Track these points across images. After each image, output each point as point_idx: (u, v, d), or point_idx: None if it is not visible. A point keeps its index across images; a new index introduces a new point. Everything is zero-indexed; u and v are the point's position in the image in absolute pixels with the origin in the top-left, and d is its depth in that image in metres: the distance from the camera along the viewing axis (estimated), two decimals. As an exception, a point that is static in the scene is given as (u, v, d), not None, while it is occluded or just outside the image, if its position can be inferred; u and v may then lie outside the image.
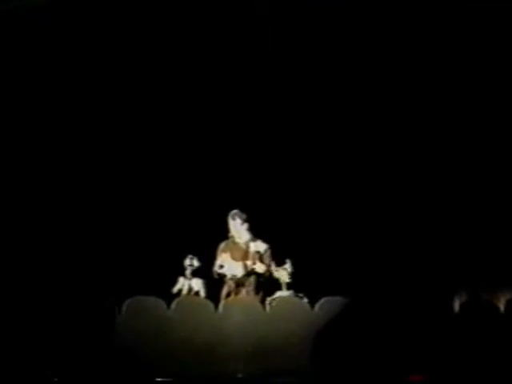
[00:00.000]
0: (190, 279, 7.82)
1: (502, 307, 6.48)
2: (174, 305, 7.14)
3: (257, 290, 7.85)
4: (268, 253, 7.99)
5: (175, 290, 7.78)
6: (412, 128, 8.42)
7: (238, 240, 8.07)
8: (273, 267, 7.84)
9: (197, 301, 7.44)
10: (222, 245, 8.08)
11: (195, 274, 7.86)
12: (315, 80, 8.28)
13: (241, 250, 7.99)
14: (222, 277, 7.93)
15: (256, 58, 8.06)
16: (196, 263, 7.87)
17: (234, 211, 8.00)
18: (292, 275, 7.66)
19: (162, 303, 7.11)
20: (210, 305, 7.20)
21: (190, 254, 7.89)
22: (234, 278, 7.82)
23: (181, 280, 7.86)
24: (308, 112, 8.58)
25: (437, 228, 8.42)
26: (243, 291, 7.78)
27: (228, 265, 7.91)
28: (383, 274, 8.48)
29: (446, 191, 8.44)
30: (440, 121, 8.37)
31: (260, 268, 7.87)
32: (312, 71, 8.24)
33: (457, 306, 6.64)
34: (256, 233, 8.06)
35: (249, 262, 7.89)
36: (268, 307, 7.35)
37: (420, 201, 8.49)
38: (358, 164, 8.68)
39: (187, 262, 7.89)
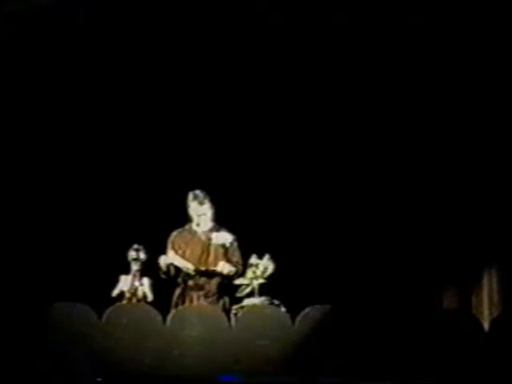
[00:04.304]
0: (134, 278, 7.18)
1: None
2: (106, 314, 6.42)
3: (219, 295, 7.27)
4: (235, 247, 7.40)
5: (115, 292, 7.17)
6: (395, 130, 8.45)
7: (195, 228, 7.45)
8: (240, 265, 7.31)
9: (137, 309, 6.63)
10: (175, 234, 7.47)
11: (142, 270, 7.27)
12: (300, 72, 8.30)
13: (199, 243, 7.39)
14: (172, 278, 7.29)
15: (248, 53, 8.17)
16: (143, 256, 7.21)
17: (196, 191, 7.40)
18: (270, 276, 7.12)
19: (90, 312, 6.41)
20: (156, 315, 6.47)
21: (135, 243, 7.28)
22: (188, 279, 7.23)
23: (122, 279, 7.22)
24: (294, 105, 8.49)
25: (423, 230, 8.49)
26: (201, 297, 7.22)
27: (181, 261, 7.29)
28: (377, 277, 8.27)
29: (433, 200, 8.45)
30: (426, 121, 8.35)
31: (224, 267, 7.27)
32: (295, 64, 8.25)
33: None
34: (220, 222, 7.52)
35: (210, 259, 7.33)
36: (233, 319, 6.73)
37: (408, 206, 8.48)
38: (343, 164, 8.63)
39: (132, 254, 7.22)
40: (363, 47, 7.91)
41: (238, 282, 7.12)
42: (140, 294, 7.13)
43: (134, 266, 7.19)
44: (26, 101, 8.04)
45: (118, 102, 8.33)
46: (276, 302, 6.97)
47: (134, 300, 7.08)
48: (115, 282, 7.25)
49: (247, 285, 7.06)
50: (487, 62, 7.84)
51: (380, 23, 7.71)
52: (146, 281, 7.18)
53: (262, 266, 7.06)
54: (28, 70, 7.88)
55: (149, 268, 7.32)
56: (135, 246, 7.25)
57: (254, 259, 7.12)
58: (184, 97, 8.33)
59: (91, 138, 8.42)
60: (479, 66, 7.87)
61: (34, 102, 8.08)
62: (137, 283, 7.17)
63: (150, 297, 7.15)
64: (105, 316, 6.41)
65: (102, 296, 6.99)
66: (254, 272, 7.06)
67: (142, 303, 6.96)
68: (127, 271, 7.23)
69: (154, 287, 7.31)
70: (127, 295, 7.14)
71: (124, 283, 7.18)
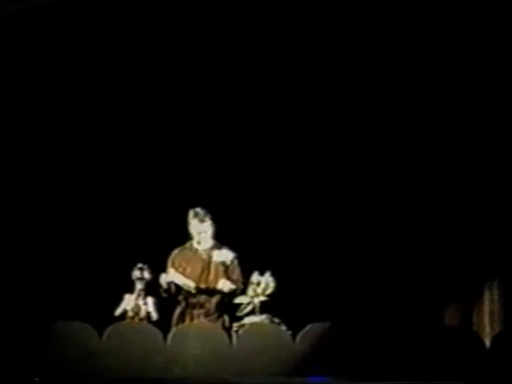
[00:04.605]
0: (138, 297, 7.14)
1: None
2: (107, 333, 6.40)
3: (220, 313, 7.23)
4: (235, 264, 7.38)
5: (118, 311, 7.14)
6: (396, 132, 8.31)
7: (196, 246, 7.43)
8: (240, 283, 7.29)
9: (138, 328, 6.67)
10: (175, 252, 7.44)
11: (146, 290, 7.24)
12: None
13: (200, 260, 7.37)
14: (173, 296, 7.27)
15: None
16: (148, 275, 7.21)
17: (197, 209, 7.39)
18: (271, 294, 7.13)
19: (90, 330, 6.40)
20: (157, 333, 6.47)
21: (140, 262, 7.25)
22: (189, 297, 7.21)
23: (126, 298, 7.18)
24: (290, 110, 8.41)
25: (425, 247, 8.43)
26: (202, 315, 7.19)
27: (182, 279, 7.26)
28: (378, 293, 8.19)
29: (435, 216, 8.36)
30: (427, 123, 8.23)
31: (224, 285, 7.25)
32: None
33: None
34: (221, 239, 7.51)
35: (210, 277, 7.30)
36: (234, 336, 6.72)
37: (409, 222, 8.41)
38: (344, 181, 8.53)
39: (136, 273, 7.21)
40: (363, 47, 7.89)
41: (238, 300, 7.09)
42: (143, 313, 7.12)
43: (139, 285, 7.18)
44: (27, 101, 7.96)
45: (119, 112, 8.22)
46: (276, 320, 6.94)
47: (137, 319, 7.05)
48: (120, 301, 7.20)
49: (248, 303, 7.02)
50: (487, 62, 7.79)
51: (380, 23, 7.69)
52: (150, 300, 7.17)
53: (263, 284, 7.06)
54: (28, 70, 7.82)
55: (152, 287, 7.27)
56: (139, 265, 7.26)
57: (255, 277, 7.10)
58: (184, 109, 8.26)
59: (94, 154, 8.33)
60: (479, 66, 7.83)
61: (35, 103, 8.01)
62: (141, 302, 7.16)
63: (154, 316, 7.11)
64: (105, 335, 6.38)
65: (106, 315, 6.96)
66: (255, 290, 7.05)
67: (144, 322, 6.93)
68: (131, 290, 7.19)
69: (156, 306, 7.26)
70: (130, 314, 7.12)
71: (128, 302, 7.17)
